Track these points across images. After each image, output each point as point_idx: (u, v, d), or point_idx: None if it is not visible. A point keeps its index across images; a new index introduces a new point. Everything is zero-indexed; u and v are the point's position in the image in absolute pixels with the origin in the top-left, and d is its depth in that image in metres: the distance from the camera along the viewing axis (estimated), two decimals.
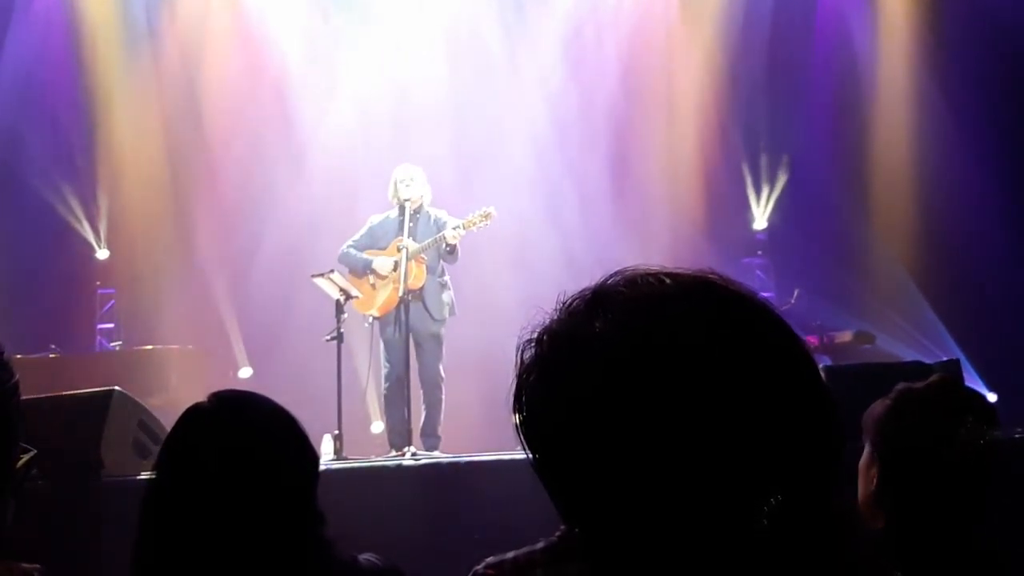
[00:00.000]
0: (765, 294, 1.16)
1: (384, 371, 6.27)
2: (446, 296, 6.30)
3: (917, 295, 8.67)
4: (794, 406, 0.79)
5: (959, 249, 8.41)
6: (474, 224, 6.12)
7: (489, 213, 6.13)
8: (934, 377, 1.85)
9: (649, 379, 0.77)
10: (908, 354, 8.28)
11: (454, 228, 6.09)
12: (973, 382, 7.20)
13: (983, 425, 1.76)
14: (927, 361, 6.54)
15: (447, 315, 6.29)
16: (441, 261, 6.28)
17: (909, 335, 8.63)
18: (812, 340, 8.04)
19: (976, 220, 8.37)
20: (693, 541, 0.77)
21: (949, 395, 1.81)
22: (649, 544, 0.78)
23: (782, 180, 9.30)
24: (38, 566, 1.42)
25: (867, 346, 8.34)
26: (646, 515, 0.77)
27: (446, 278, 6.35)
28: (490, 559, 1.78)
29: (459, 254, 6.20)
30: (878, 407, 1.87)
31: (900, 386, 1.87)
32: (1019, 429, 4.59)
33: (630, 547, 0.79)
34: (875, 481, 1.80)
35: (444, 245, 6.12)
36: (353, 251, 6.39)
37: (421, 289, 6.17)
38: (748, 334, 0.80)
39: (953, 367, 5.10)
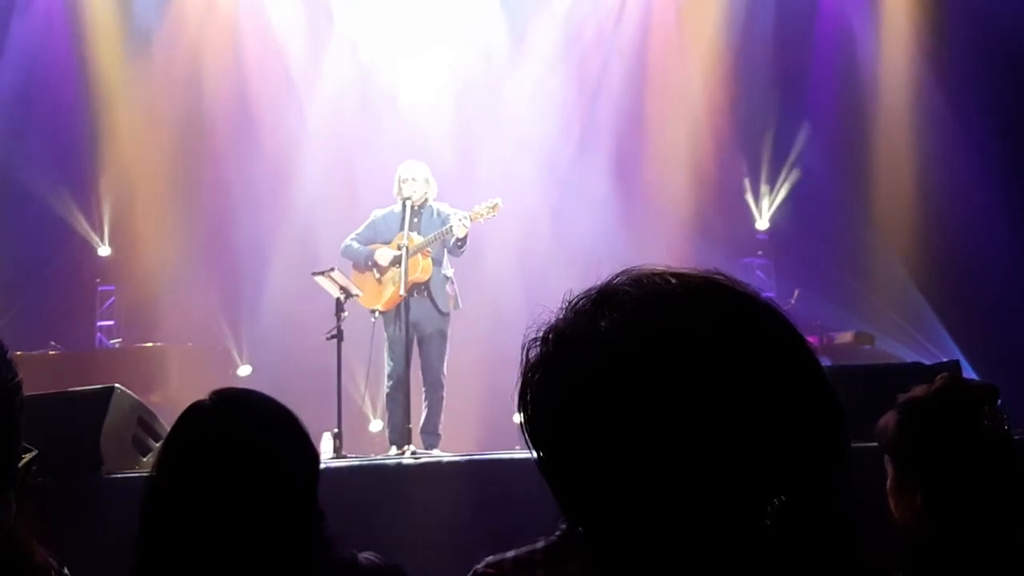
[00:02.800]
0: (766, 294, 1.15)
1: (387, 369, 6.23)
2: (450, 289, 6.26)
3: (917, 296, 8.67)
4: (800, 407, 0.79)
5: (959, 250, 8.41)
6: (481, 216, 6.10)
7: (496, 204, 6.10)
8: (938, 379, 1.81)
9: (654, 379, 0.77)
10: (908, 355, 8.29)
11: (460, 220, 6.05)
12: None
13: (1000, 412, 1.73)
14: (927, 362, 6.53)
15: (452, 308, 6.26)
16: (446, 254, 6.26)
17: (909, 336, 8.64)
18: (812, 340, 8.02)
19: (977, 221, 8.37)
20: (697, 540, 0.77)
21: (959, 393, 1.77)
22: (653, 543, 0.78)
23: (784, 181, 9.30)
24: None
25: (867, 347, 8.34)
26: (650, 514, 0.77)
27: (450, 271, 6.32)
28: (490, 558, 1.77)
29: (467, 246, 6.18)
30: (889, 423, 1.82)
31: (904, 397, 1.82)
32: (1019, 430, 4.58)
33: (634, 546, 0.79)
34: (917, 498, 1.74)
35: (453, 238, 6.07)
36: (355, 244, 6.35)
37: (427, 283, 6.15)
38: (754, 335, 0.80)
39: (952, 368, 5.08)
